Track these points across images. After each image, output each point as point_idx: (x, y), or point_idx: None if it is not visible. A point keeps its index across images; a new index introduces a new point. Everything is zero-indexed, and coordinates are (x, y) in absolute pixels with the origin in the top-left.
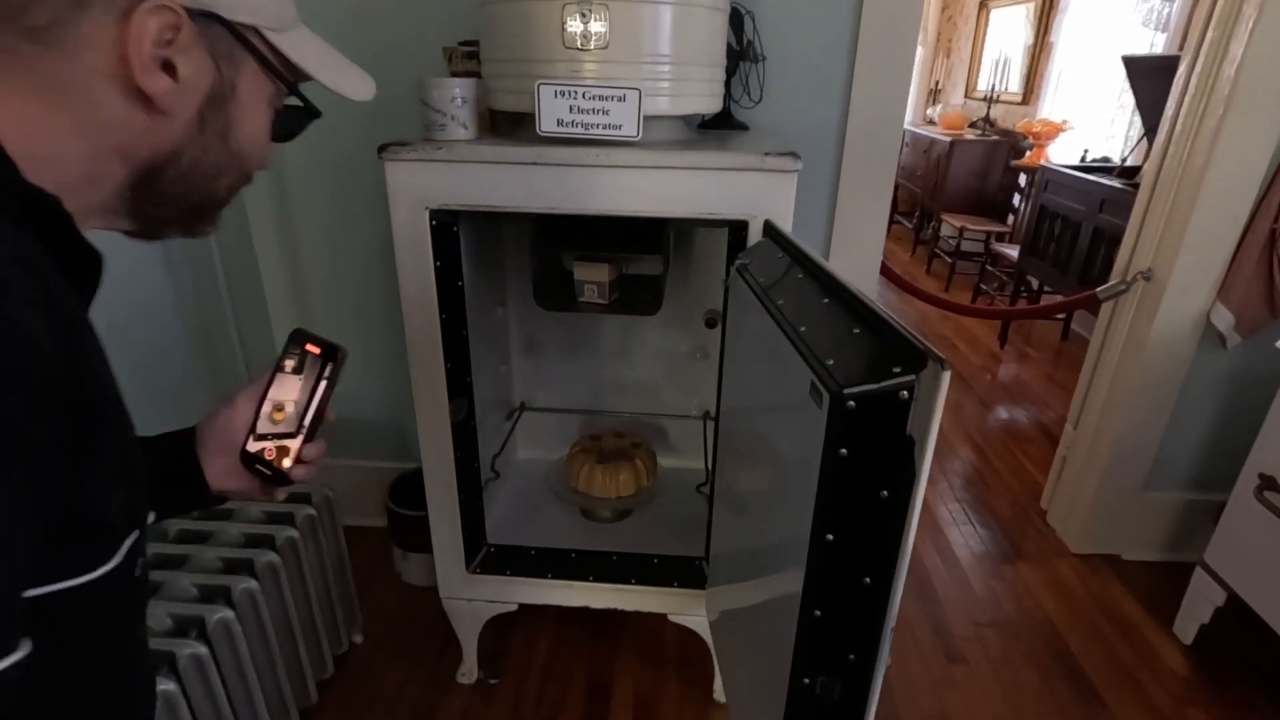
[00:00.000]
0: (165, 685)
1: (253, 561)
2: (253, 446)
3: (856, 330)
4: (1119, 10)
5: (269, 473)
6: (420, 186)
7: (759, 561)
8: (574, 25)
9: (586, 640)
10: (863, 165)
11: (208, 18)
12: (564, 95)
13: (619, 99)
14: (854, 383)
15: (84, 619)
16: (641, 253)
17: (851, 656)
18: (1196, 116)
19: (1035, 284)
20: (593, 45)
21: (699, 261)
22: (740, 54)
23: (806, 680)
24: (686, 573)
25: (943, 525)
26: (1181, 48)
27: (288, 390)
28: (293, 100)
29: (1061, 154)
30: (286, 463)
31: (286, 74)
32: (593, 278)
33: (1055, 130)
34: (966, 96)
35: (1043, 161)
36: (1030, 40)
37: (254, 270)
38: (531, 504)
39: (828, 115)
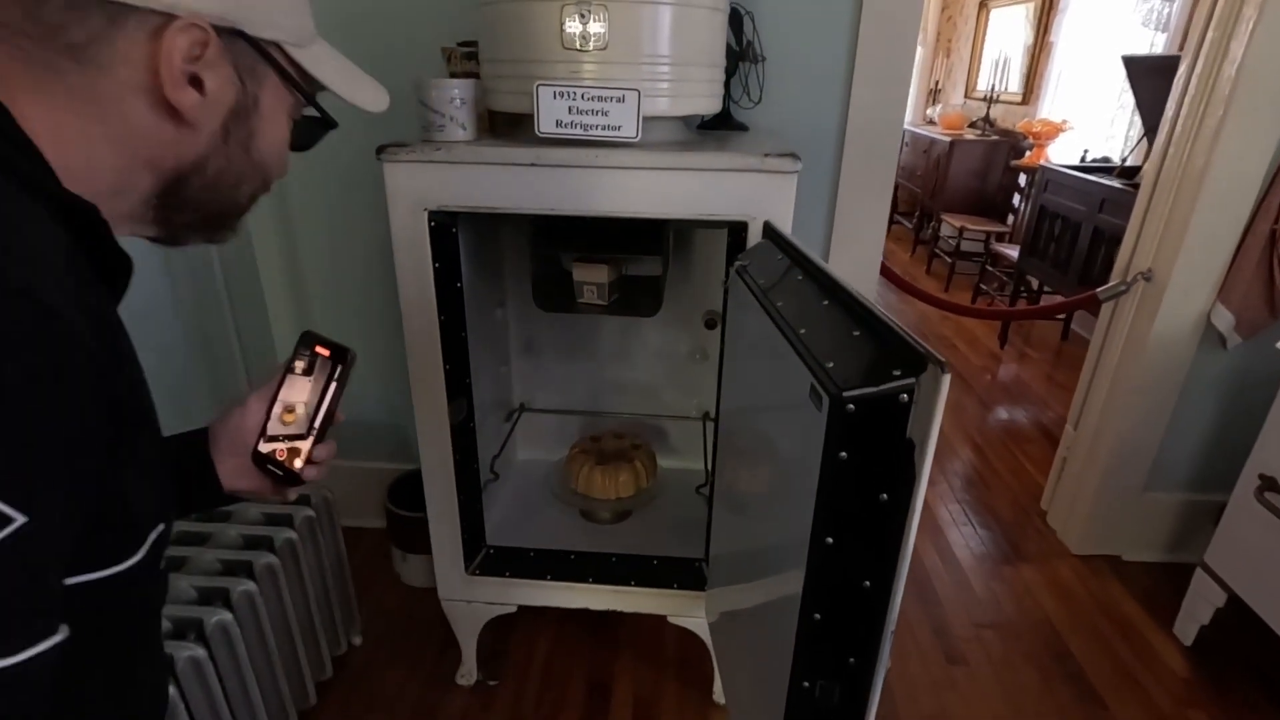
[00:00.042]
0: None
1: (251, 563)
2: (264, 447)
3: (856, 332)
4: (1119, 10)
5: (280, 473)
6: (419, 188)
7: (758, 563)
8: (573, 26)
9: (586, 641)
10: (862, 165)
11: (233, 34)
12: (563, 96)
13: (618, 100)
14: (854, 385)
15: (111, 609)
16: (641, 254)
17: (851, 660)
18: (1197, 117)
19: (1035, 284)
20: (592, 46)
21: (698, 262)
22: (740, 54)
23: (806, 683)
24: (686, 574)
25: (943, 526)
26: (1181, 48)
27: (298, 392)
28: (310, 111)
29: (1061, 154)
30: (298, 463)
31: (305, 86)
32: (592, 279)
33: (1055, 130)
34: (966, 96)
35: (1042, 161)
36: (1030, 40)
37: (253, 272)
38: (531, 505)
39: (827, 115)
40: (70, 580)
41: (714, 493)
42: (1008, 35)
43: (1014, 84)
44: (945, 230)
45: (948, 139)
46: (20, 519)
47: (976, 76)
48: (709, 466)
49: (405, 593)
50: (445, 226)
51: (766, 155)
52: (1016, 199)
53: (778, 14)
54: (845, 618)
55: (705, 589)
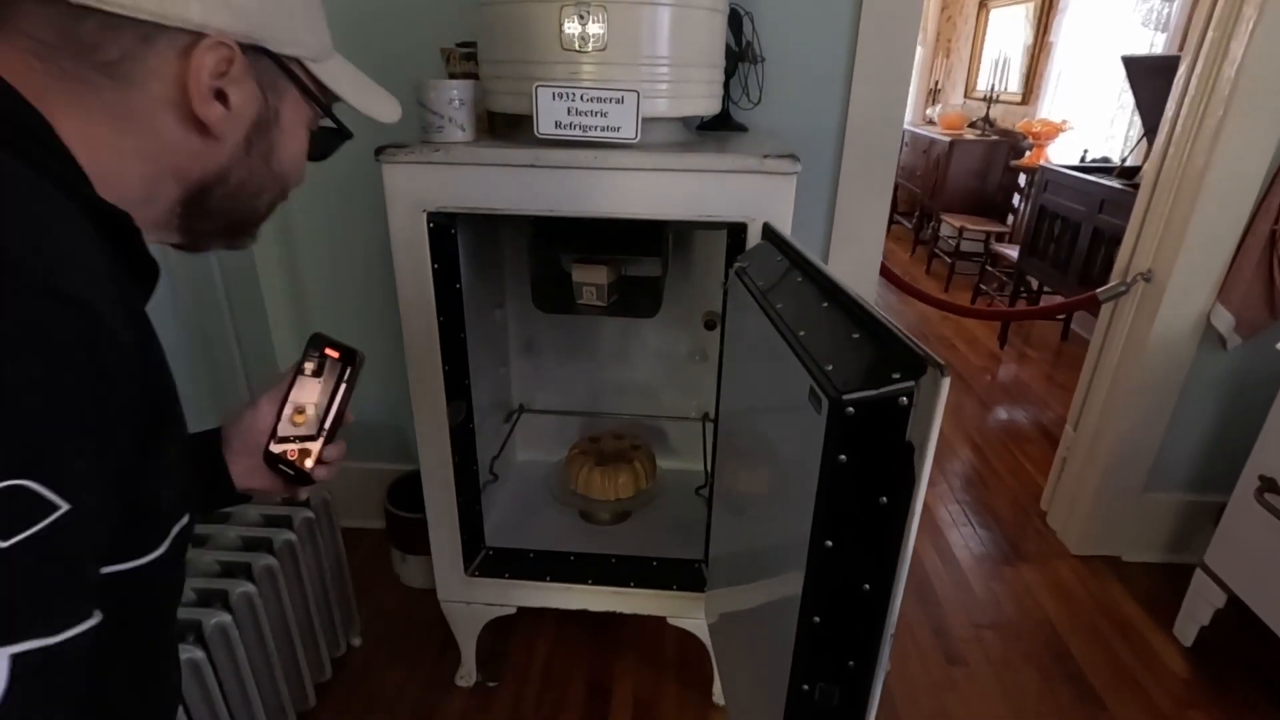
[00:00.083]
0: None
1: (250, 565)
2: (275, 448)
3: (856, 335)
4: (1119, 10)
5: (292, 473)
6: (418, 189)
7: (758, 564)
8: (572, 27)
9: (585, 643)
10: (862, 165)
11: (257, 51)
12: (562, 97)
13: (617, 101)
14: (853, 388)
15: (135, 601)
16: (640, 254)
17: (851, 663)
18: (1196, 117)
19: (1035, 284)
20: (591, 47)
21: (698, 263)
22: (739, 55)
23: (806, 686)
24: (685, 575)
25: (942, 527)
26: (1181, 48)
27: (308, 393)
28: (327, 123)
29: (1061, 154)
30: (309, 463)
31: (323, 99)
32: (591, 279)
33: (1055, 130)
34: (966, 96)
35: (1042, 161)
36: (1030, 40)
37: (252, 274)
38: (530, 506)
39: (827, 116)
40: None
41: (713, 494)
42: (1007, 35)
43: (1014, 84)
44: (945, 230)
45: (947, 139)
46: (65, 507)
47: (976, 76)
48: (708, 468)
49: (405, 594)
50: (444, 228)
51: (766, 156)
52: (1016, 199)
53: (777, 14)
54: (845, 621)
55: (705, 590)
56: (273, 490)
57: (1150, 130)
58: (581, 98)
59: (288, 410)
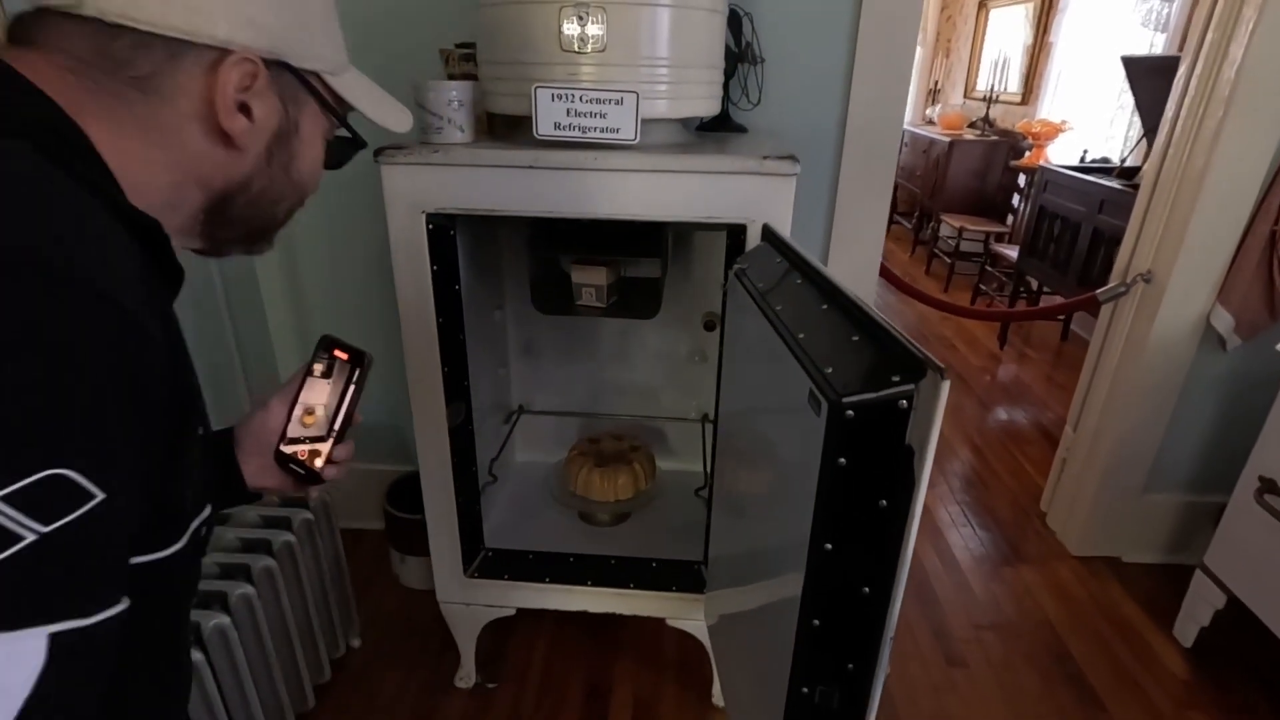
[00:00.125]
0: None
1: (249, 567)
2: (285, 449)
3: (855, 337)
4: (1118, 10)
5: (302, 472)
6: (417, 190)
7: (758, 566)
8: (571, 28)
9: (585, 644)
10: (862, 166)
11: (279, 66)
12: (561, 98)
13: (616, 102)
14: (853, 391)
15: (155, 593)
16: (640, 255)
17: (850, 666)
18: (1196, 118)
19: (1034, 284)
20: (590, 48)
21: (697, 264)
22: (739, 56)
23: (805, 689)
24: (685, 577)
25: (942, 528)
26: (1181, 48)
27: (317, 394)
28: (343, 132)
29: (1061, 154)
30: (318, 463)
31: (340, 111)
32: (591, 281)
33: (1054, 130)
34: (966, 96)
35: (1042, 162)
36: (1029, 40)
37: (251, 275)
38: (530, 507)
39: (827, 116)
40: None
41: (713, 495)
42: (1007, 35)
43: (1013, 84)
44: (945, 230)
45: (947, 139)
46: (100, 496)
47: (976, 76)
48: (708, 469)
49: (404, 595)
50: (443, 229)
51: (765, 158)
52: (1016, 199)
53: (777, 15)
54: (844, 624)
55: (704, 592)
56: (283, 489)
57: (1150, 131)
58: (581, 99)
59: (297, 411)
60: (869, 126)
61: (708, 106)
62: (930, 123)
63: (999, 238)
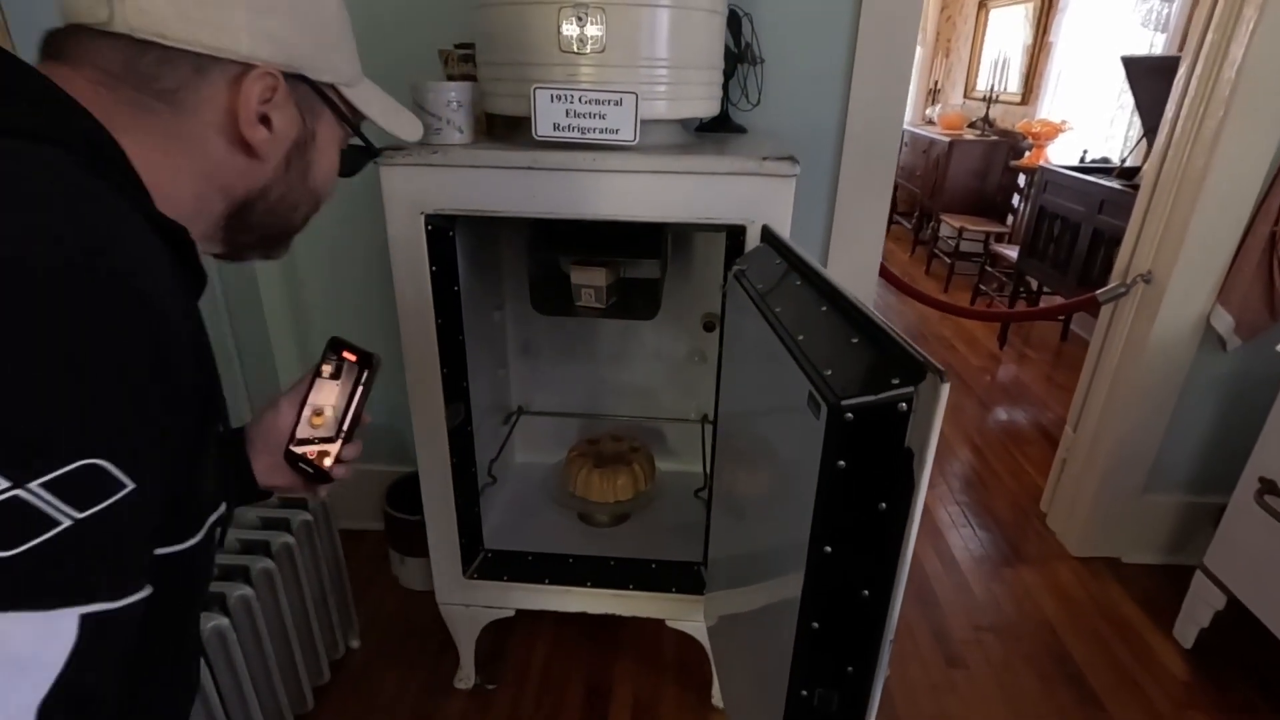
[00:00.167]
0: None
1: (248, 568)
2: (295, 448)
3: (855, 340)
4: (1118, 10)
5: (311, 471)
6: (416, 191)
7: (757, 567)
8: (570, 29)
9: (584, 645)
10: (862, 166)
11: (297, 79)
12: (560, 99)
13: (615, 103)
14: (852, 394)
15: (170, 586)
16: (639, 256)
17: (850, 668)
18: (1196, 119)
19: (1034, 285)
20: (589, 49)
21: (697, 264)
22: (738, 56)
23: (804, 692)
24: (684, 578)
25: (942, 528)
26: (1181, 48)
27: (326, 395)
28: (357, 141)
29: (1061, 154)
30: (328, 462)
31: (355, 121)
32: (590, 281)
33: (1054, 130)
34: (965, 96)
35: (1042, 162)
36: (1029, 40)
37: (251, 275)
38: (529, 508)
39: (826, 117)
40: None
41: (712, 496)
42: (1007, 35)
43: (1013, 84)
44: (944, 230)
45: (947, 139)
46: (130, 485)
47: (976, 76)
48: (707, 470)
49: (403, 596)
50: (442, 230)
51: (765, 159)
52: (1016, 199)
53: (776, 15)
54: (843, 626)
55: (704, 593)
56: (293, 488)
57: (1150, 131)
58: (580, 100)
59: (306, 412)
60: (869, 127)
61: (707, 107)
62: (930, 123)
63: (999, 238)
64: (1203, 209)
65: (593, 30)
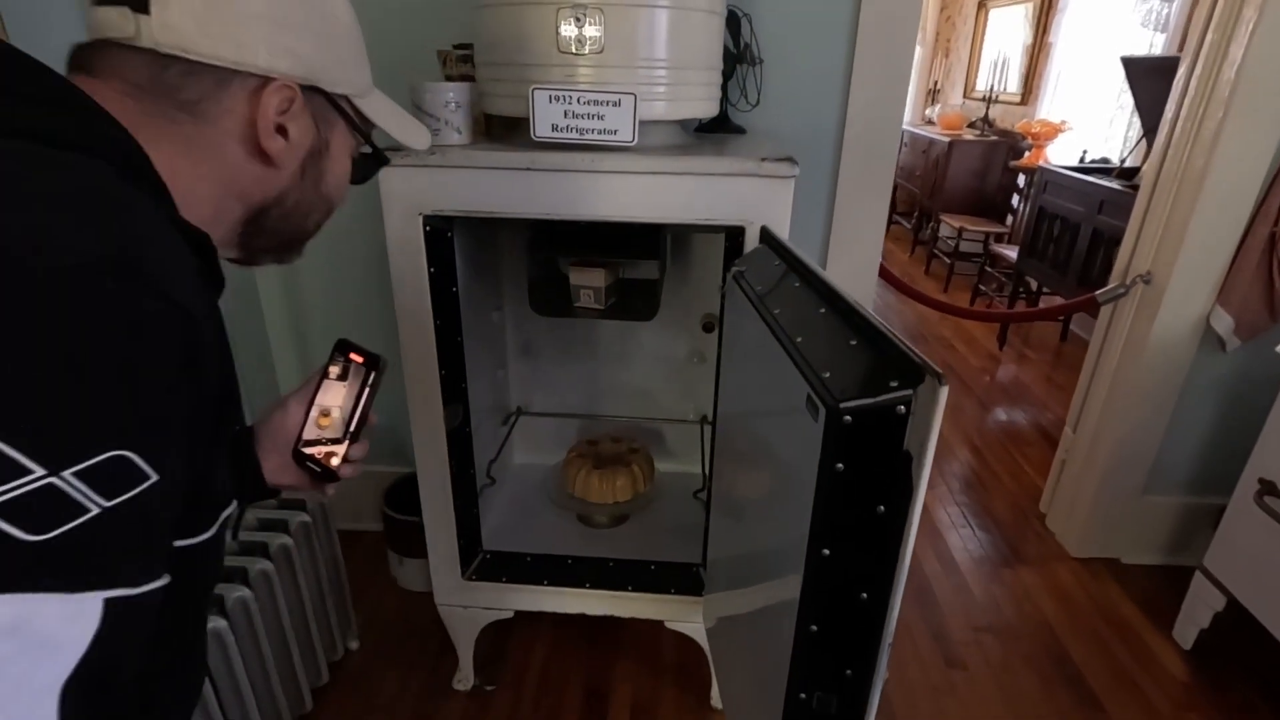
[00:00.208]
0: None
1: (246, 570)
2: (303, 449)
3: (853, 342)
4: (1118, 10)
5: (319, 470)
6: (414, 192)
7: (756, 568)
8: (568, 29)
9: (583, 646)
10: (861, 166)
11: (313, 90)
12: (558, 100)
13: (614, 104)
14: (850, 397)
15: (183, 577)
16: (638, 257)
17: (849, 672)
18: (1196, 119)
19: (1034, 285)
20: (587, 50)
21: (696, 265)
22: (737, 57)
23: (803, 695)
24: (683, 579)
25: (941, 529)
26: (1181, 48)
27: (333, 396)
28: (368, 150)
29: (1060, 154)
30: (335, 462)
31: (366, 130)
32: (589, 282)
33: (1054, 131)
34: (965, 96)
35: (1041, 162)
36: (1029, 40)
37: (249, 275)
38: (528, 510)
39: (826, 117)
40: None
41: (711, 497)
42: (1006, 35)
43: (1013, 84)
44: (944, 231)
45: (946, 139)
46: (154, 477)
47: (975, 77)
48: (706, 471)
49: (402, 597)
50: (440, 231)
51: (764, 160)
52: (1015, 199)
53: (775, 16)
54: (842, 629)
55: (703, 594)
56: (301, 486)
57: (1150, 131)
58: (578, 100)
59: (314, 413)
60: (868, 127)
61: (706, 108)
62: (930, 123)
63: (998, 238)
64: (1202, 209)
65: (591, 31)
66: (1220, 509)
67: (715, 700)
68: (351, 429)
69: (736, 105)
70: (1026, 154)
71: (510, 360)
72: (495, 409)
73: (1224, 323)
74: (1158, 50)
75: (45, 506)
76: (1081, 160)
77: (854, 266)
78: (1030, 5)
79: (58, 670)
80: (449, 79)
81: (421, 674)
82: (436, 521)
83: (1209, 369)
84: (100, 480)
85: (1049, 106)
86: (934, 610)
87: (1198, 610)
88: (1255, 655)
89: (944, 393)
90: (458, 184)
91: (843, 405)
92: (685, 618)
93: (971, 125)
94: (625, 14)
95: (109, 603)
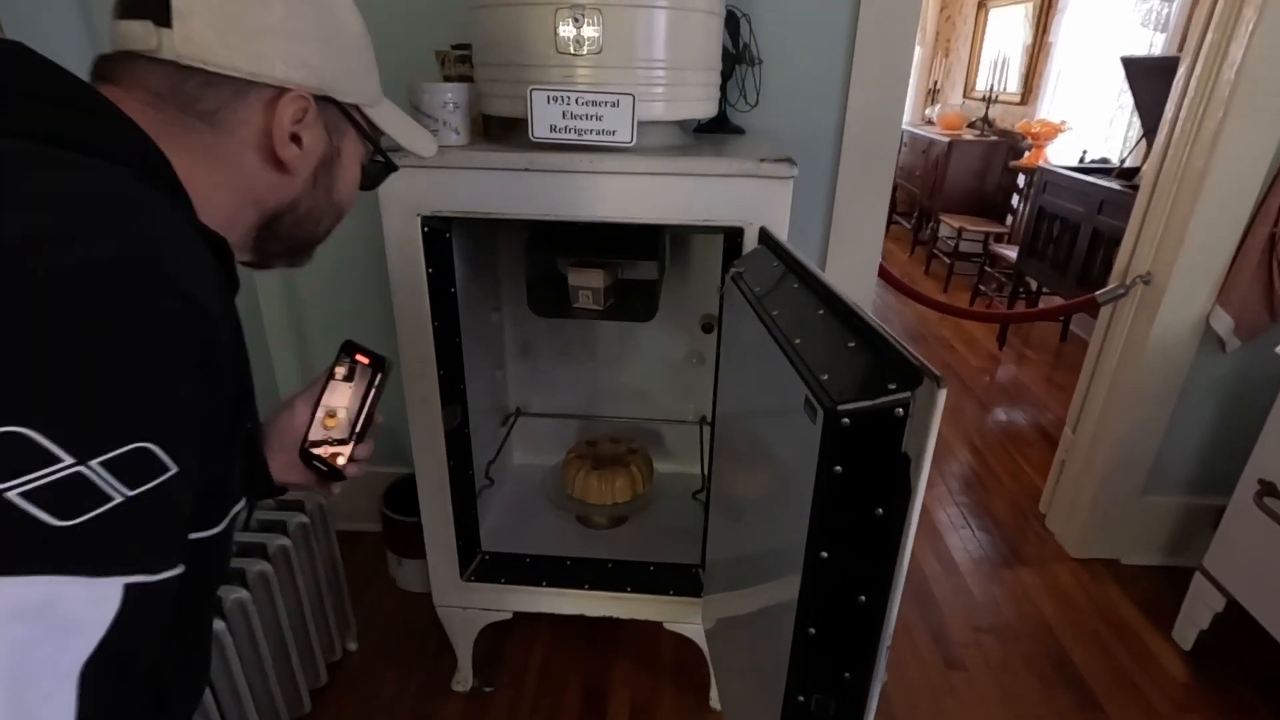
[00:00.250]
0: None
1: (245, 571)
2: (310, 448)
3: (852, 344)
4: (1118, 10)
5: (325, 469)
6: (412, 193)
7: (755, 570)
8: (566, 30)
9: (582, 647)
10: (861, 167)
11: (325, 100)
12: (557, 101)
13: (612, 104)
14: (849, 399)
15: (193, 571)
16: (637, 258)
17: (847, 674)
18: (1196, 119)
19: (1034, 285)
20: (586, 50)
21: (695, 266)
22: (736, 57)
23: (801, 698)
24: (682, 580)
25: (941, 530)
26: (1180, 48)
27: (339, 397)
28: (378, 157)
29: (1060, 155)
30: (341, 461)
31: (375, 138)
32: (587, 283)
33: (1054, 131)
34: (965, 96)
35: (1041, 162)
36: (1029, 40)
37: (248, 277)
38: (527, 510)
39: (825, 117)
40: None
41: (710, 498)
42: (1006, 35)
43: (1013, 84)
44: (944, 231)
45: (946, 139)
46: (174, 469)
47: (975, 77)
48: (705, 472)
49: (401, 598)
50: (439, 232)
51: (762, 160)
52: (1015, 199)
53: (774, 16)
54: (841, 632)
55: (702, 595)
56: (307, 485)
57: (1149, 131)
58: (576, 101)
59: (320, 413)
60: (868, 127)
61: (705, 108)
62: (929, 123)
63: (998, 238)
64: (1202, 210)
65: (589, 31)
66: (1220, 510)
67: (714, 702)
68: (357, 429)
69: (735, 106)
70: (1026, 154)
71: (509, 361)
72: (494, 410)
73: (1224, 323)
74: (1158, 50)
75: (73, 494)
76: (1081, 160)
77: (853, 267)
78: (1030, 5)
79: (79, 652)
80: (447, 79)
81: (420, 675)
82: (435, 522)
83: (1209, 369)
84: (124, 470)
85: (1049, 106)
86: (933, 611)
87: (1197, 611)
88: (1255, 656)
89: (942, 395)
90: (456, 185)
91: (841, 407)
92: (684, 619)
93: (971, 125)
94: (623, 14)
95: (129, 588)
